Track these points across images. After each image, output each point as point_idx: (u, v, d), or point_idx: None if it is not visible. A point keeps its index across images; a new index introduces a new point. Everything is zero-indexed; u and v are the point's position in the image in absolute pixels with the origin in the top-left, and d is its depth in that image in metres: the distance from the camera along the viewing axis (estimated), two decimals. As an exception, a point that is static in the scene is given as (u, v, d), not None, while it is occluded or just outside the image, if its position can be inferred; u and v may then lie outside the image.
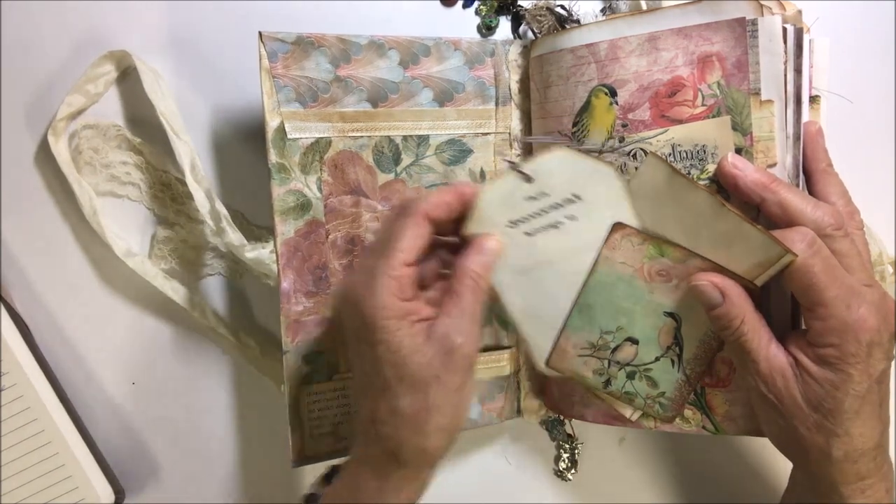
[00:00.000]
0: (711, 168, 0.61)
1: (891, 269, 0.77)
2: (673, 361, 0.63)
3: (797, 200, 0.56)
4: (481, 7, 0.75)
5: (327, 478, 0.63)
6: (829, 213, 0.56)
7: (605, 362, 0.65)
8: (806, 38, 0.60)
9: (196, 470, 0.77)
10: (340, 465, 0.62)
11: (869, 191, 0.67)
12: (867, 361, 0.55)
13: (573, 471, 0.80)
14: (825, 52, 0.63)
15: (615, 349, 0.64)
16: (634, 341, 0.64)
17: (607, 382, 0.65)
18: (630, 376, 0.64)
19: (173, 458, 0.76)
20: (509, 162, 0.69)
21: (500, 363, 0.73)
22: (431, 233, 0.58)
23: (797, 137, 0.60)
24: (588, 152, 0.64)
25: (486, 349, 0.73)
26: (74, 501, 0.70)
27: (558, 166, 0.60)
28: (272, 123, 0.64)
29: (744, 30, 0.59)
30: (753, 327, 0.57)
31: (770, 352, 0.57)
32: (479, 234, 0.59)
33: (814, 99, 0.63)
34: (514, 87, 0.72)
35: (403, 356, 0.54)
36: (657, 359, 0.63)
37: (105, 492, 0.71)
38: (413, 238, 0.56)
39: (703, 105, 0.61)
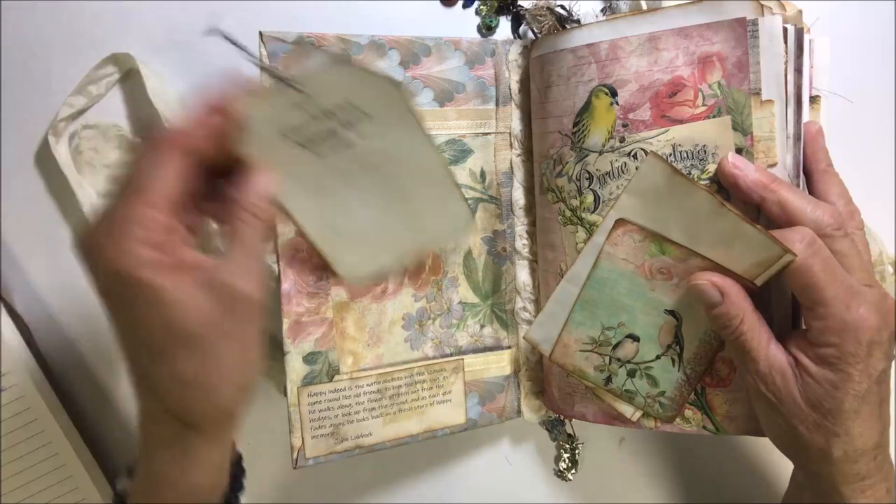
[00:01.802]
0: (712, 168, 0.61)
1: (891, 269, 0.77)
2: (673, 360, 0.63)
3: (797, 200, 0.57)
4: (481, 7, 0.75)
5: (131, 473, 0.56)
6: (829, 213, 0.56)
7: (606, 359, 0.65)
8: (806, 38, 0.60)
9: (196, 470, 0.77)
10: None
11: (869, 191, 0.67)
12: (867, 361, 0.55)
13: (573, 471, 0.80)
14: (825, 51, 0.64)
15: (616, 346, 0.64)
16: (635, 338, 0.64)
17: (608, 380, 0.65)
18: (630, 374, 0.65)
19: (173, 458, 0.76)
20: (272, 73, 0.53)
21: (501, 363, 0.74)
22: (193, 164, 0.49)
23: (798, 137, 0.60)
24: (591, 151, 0.64)
25: (486, 349, 0.73)
26: (74, 502, 0.70)
27: (336, 80, 0.53)
28: (272, 123, 0.64)
29: (744, 30, 0.59)
30: (752, 327, 0.57)
31: (769, 351, 0.57)
32: (253, 159, 0.51)
33: (814, 99, 0.64)
34: (515, 86, 0.72)
35: (175, 314, 0.46)
36: (658, 357, 0.63)
37: (105, 492, 0.72)
38: (164, 178, 0.47)
39: (703, 105, 0.61)
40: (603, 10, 0.74)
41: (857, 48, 0.78)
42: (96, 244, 0.46)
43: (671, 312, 0.62)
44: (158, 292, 0.45)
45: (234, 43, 0.51)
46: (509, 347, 0.74)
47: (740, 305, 0.57)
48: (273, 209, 0.52)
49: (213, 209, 0.53)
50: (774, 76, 0.59)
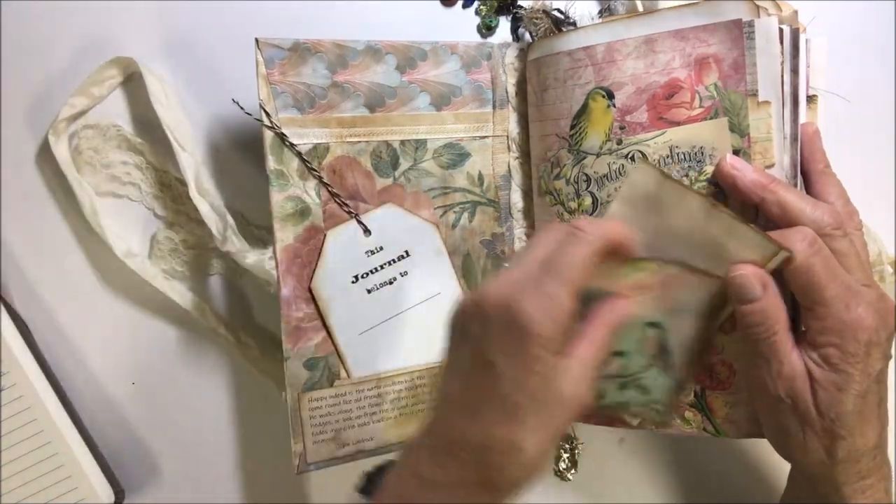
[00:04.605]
0: (709, 170, 0.61)
1: (890, 270, 0.77)
2: (661, 368, 0.62)
3: (796, 200, 0.57)
4: (481, 7, 0.75)
5: (371, 478, 0.60)
6: (828, 213, 0.57)
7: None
8: (802, 37, 0.60)
9: (196, 470, 0.77)
10: (391, 471, 0.57)
11: (868, 191, 0.67)
12: (866, 361, 0.55)
13: (573, 471, 0.80)
14: (822, 51, 0.63)
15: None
16: (621, 353, 0.62)
17: (601, 397, 0.64)
18: (622, 387, 0.63)
19: (173, 458, 0.76)
20: (352, 214, 0.67)
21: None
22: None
23: (795, 138, 0.60)
24: (588, 153, 0.64)
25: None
26: (74, 501, 0.71)
27: (391, 220, 0.67)
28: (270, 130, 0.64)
29: (740, 31, 0.59)
30: (785, 328, 0.57)
31: (793, 357, 0.57)
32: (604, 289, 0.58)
33: (811, 99, 0.63)
34: (512, 90, 0.72)
35: (547, 391, 0.51)
36: (646, 367, 0.62)
37: (105, 492, 0.71)
38: (586, 269, 0.52)
39: (700, 107, 0.61)
40: (600, 13, 0.74)
41: (855, 47, 0.78)
42: (530, 313, 0.50)
43: (654, 324, 0.61)
44: (550, 371, 0.50)
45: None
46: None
47: (778, 305, 0.57)
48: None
49: None
50: (771, 77, 0.59)
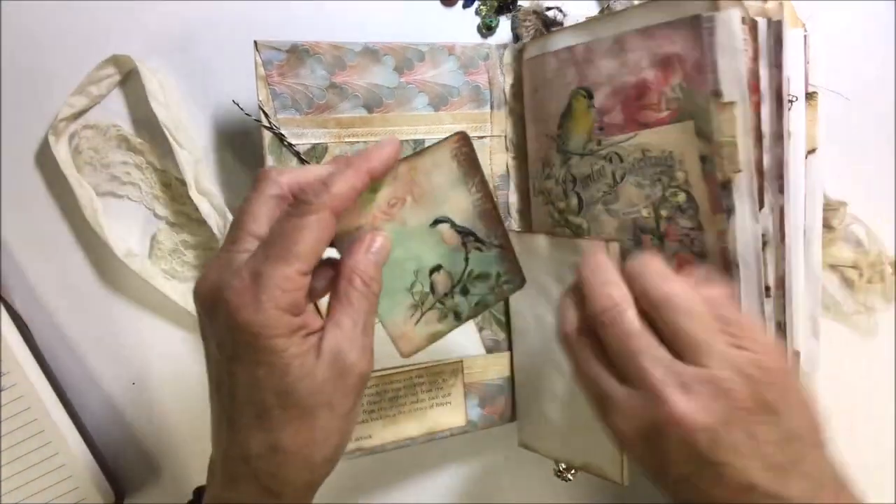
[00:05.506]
0: (680, 176, 0.58)
1: (890, 270, 0.77)
2: (478, 248, 0.58)
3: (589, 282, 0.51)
4: (481, 7, 0.75)
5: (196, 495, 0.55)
6: (603, 298, 0.50)
7: (439, 305, 0.60)
8: (800, 32, 0.59)
9: (196, 470, 0.77)
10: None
11: (869, 191, 0.67)
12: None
13: (573, 471, 0.80)
14: (822, 48, 0.63)
15: (433, 290, 0.59)
16: (437, 268, 0.58)
17: (457, 316, 0.60)
18: (464, 292, 0.60)
19: (173, 458, 0.77)
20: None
21: (500, 366, 0.74)
22: (334, 229, 0.49)
23: (778, 136, 0.57)
24: (573, 154, 0.65)
25: (487, 351, 0.73)
26: (74, 501, 0.71)
27: None
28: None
29: (701, 27, 0.55)
30: (587, 370, 0.52)
31: (601, 383, 0.52)
32: (362, 224, 0.53)
33: (811, 96, 0.62)
34: (509, 90, 0.72)
35: (291, 381, 0.46)
36: (466, 259, 0.59)
37: (105, 492, 0.72)
38: (315, 242, 0.47)
39: (667, 109, 0.58)
40: (601, 13, 0.74)
41: (855, 47, 0.78)
42: (237, 305, 0.45)
43: (436, 221, 0.57)
44: (284, 360, 0.46)
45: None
46: (509, 350, 0.74)
47: (570, 335, 0.53)
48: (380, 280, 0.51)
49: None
50: (736, 75, 0.55)
